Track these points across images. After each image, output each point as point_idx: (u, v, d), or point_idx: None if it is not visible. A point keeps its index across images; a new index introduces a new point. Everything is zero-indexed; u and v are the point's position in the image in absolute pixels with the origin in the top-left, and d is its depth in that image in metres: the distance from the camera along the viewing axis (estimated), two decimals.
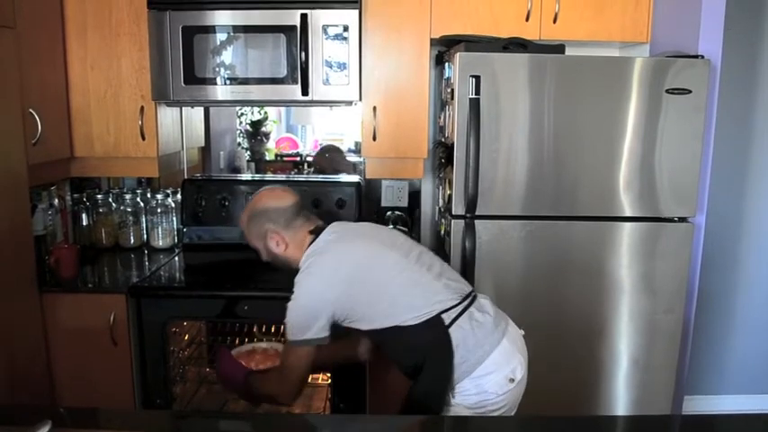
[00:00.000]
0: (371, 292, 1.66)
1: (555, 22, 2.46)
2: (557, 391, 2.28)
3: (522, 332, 1.75)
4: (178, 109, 2.77)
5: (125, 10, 2.44)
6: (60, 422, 1.27)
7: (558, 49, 2.27)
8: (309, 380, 1.92)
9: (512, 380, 1.65)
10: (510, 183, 2.22)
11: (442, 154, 2.52)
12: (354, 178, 2.86)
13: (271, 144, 3.27)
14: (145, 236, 2.87)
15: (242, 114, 3.22)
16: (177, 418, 1.67)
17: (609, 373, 2.36)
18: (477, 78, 2.12)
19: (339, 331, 1.73)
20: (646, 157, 2.21)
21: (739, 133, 2.99)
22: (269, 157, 3.26)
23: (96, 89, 2.49)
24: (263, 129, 3.24)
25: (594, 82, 2.18)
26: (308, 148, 3.30)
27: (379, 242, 1.76)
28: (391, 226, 2.74)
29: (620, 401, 2.39)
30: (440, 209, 2.63)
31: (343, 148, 3.20)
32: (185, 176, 2.90)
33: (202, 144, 3.08)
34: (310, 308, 1.65)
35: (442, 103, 2.59)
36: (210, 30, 2.38)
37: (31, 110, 2.18)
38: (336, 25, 2.36)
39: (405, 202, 2.90)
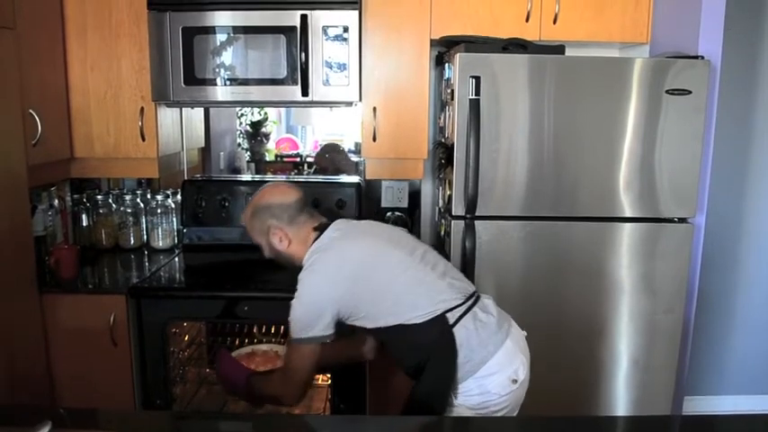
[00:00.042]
0: (375, 290, 1.66)
1: (555, 22, 2.46)
2: (557, 391, 2.28)
3: (525, 333, 1.75)
4: (178, 110, 2.77)
5: (125, 11, 2.44)
6: (60, 423, 1.27)
7: (558, 49, 2.28)
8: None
9: (514, 381, 1.65)
10: (510, 183, 2.22)
11: (442, 154, 2.52)
12: (354, 179, 2.86)
13: (271, 145, 3.27)
14: (145, 236, 2.87)
15: (242, 115, 3.22)
16: (177, 419, 1.67)
17: (609, 374, 2.36)
18: (477, 79, 2.12)
19: (343, 329, 1.72)
20: (646, 158, 2.21)
21: (739, 133, 2.99)
22: (269, 157, 3.26)
23: (96, 90, 2.49)
24: (263, 129, 3.24)
25: (594, 83, 2.18)
26: (307, 149, 3.31)
27: (384, 240, 1.75)
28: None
29: (620, 402, 2.39)
30: (440, 209, 2.63)
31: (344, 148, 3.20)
32: (185, 177, 2.90)
33: (202, 145, 3.08)
34: (314, 305, 1.64)
35: (441, 103, 2.59)
36: (210, 30, 2.38)
37: (31, 110, 2.18)
38: (336, 26, 2.36)
39: (405, 203, 2.90)
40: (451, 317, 1.64)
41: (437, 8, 2.45)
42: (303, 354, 1.66)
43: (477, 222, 2.22)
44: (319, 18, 2.35)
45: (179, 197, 2.81)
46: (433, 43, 2.52)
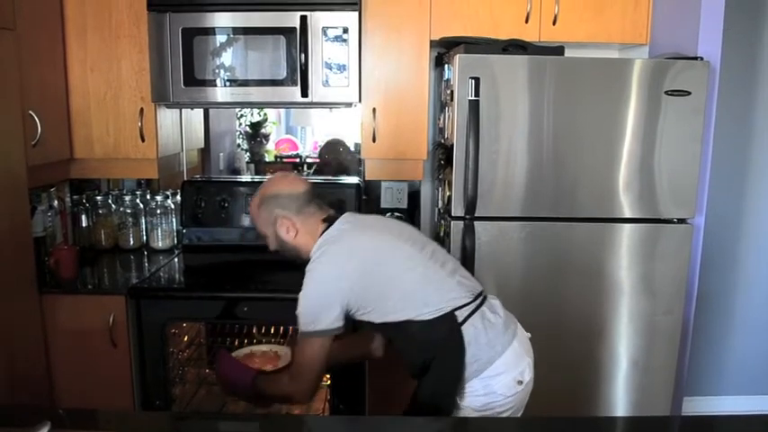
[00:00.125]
0: (385, 284, 1.64)
1: (554, 23, 2.46)
2: (556, 392, 2.27)
3: (529, 335, 1.75)
4: (178, 111, 2.77)
5: (125, 12, 2.44)
6: (60, 423, 1.27)
7: (558, 50, 2.28)
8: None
9: (520, 382, 1.64)
10: (509, 184, 2.22)
11: (442, 155, 2.52)
12: (354, 179, 2.86)
13: (270, 146, 3.27)
14: (144, 237, 2.87)
15: (241, 116, 3.22)
16: (177, 420, 1.67)
17: (608, 374, 2.36)
18: (477, 80, 2.13)
19: (351, 326, 1.70)
20: (645, 159, 2.21)
21: (739, 134, 2.99)
22: (268, 158, 3.26)
23: (96, 91, 2.49)
24: (263, 130, 3.24)
25: (594, 83, 2.18)
26: (307, 150, 3.30)
27: (395, 235, 1.72)
28: None
29: (620, 402, 2.39)
30: (439, 210, 2.63)
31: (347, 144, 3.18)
32: (185, 178, 2.90)
33: (202, 145, 3.09)
34: (324, 297, 1.61)
35: (441, 104, 2.60)
36: (210, 31, 2.38)
37: (30, 111, 2.18)
38: (336, 27, 2.36)
39: (404, 204, 2.90)
40: (460, 315, 1.62)
41: (437, 9, 2.46)
42: (313, 348, 1.62)
43: (476, 223, 2.22)
44: (319, 19, 2.36)
45: (178, 198, 2.81)
46: (433, 44, 2.52)
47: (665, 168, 2.21)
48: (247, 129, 3.22)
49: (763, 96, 2.97)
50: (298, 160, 3.29)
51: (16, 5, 2.09)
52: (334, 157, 3.14)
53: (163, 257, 2.73)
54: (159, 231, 2.82)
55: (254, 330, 2.67)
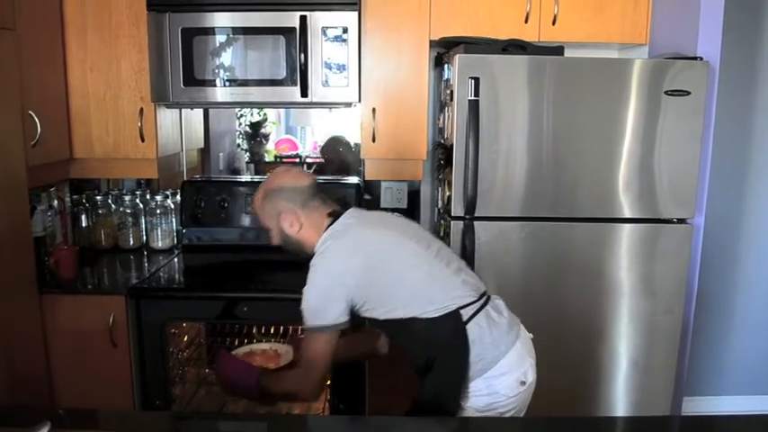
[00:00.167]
0: (391, 280, 1.63)
1: (554, 23, 2.46)
2: (556, 392, 2.27)
3: (531, 335, 1.75)
4: (177, 110, 2.77)
5: (124, 12, 2.44)
6: (60, 423, 1.27)
7: (557, 50, 2.28)
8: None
9: (523, 382, 1.64)
10: (509, 184, 2.22)
11: (442, 155, 2.52)
12: (353, 179, 2.86)
13: (270, 145, 3.27)
14: (144, 237, 2.87)
15: (241, 116, 3.22)
16: (176, 420, 1.67)
17: (608, 375, 2.36)
18: (477, 80, 2.13)
19: (356, 322, 1.68)
20: (645, 159, 2.21)
21: (738, 133, 2.99)
22: (268, 158, 3.26)
23: (96, 91, 2.49)
24: (263, 130, 3.24)
25: (593, 84, 2.18)
26: (307, 150, 3.30)
27: (401, 232, 1.71)
28: None
29: (620, 402, 2.39)
30: (439, 210, 2.63)
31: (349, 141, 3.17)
32: (185, 178, 2.90)
33: (202, 145, 3.09)
34: (329, 291, 1.60)
35: (441, 104, 2.60)
36: (210, 31, 2.38)
37: (30, 111, 2.18)
38: (336, 27, 2.36)
39: (404, 204, 2.90)
40: (465, 313, 1.62)
41: (436, 9, 2.46)
42: (319, 344, 1.61)
43: (476, 223, 2.22)
44: (319, 19, 2.36)
45: (178, 198, 2.82)
46: (433, 44, 2.52)
47: (665, 168, 2.21)
48: (247, 129, 3.22)
49: (762, 96, 2.97)
50: (297, 160, 3.29)
51: (16, 5, 2.09)
52: (336, 154, 3.13)
53: (163, 257, 2.73)
54: (159, 231, 2.82)
55: (253, 330, 2.67)
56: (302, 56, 2.35)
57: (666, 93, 2.16)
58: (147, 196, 2.88)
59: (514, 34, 2.35)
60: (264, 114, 3.22)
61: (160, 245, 2.82)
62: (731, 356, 3.19)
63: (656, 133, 2.19)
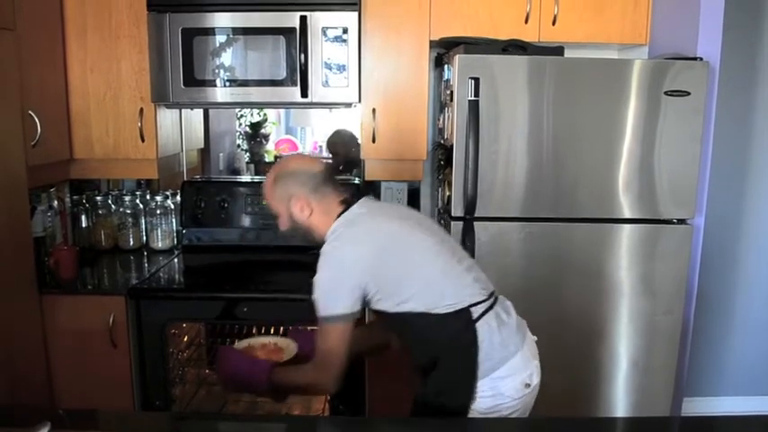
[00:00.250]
0: (403, 271, 1.60)
1: (554, 24, 2.46)
2: (556, 392, 2.27)
3: (535, 338, 1.74)
4: (177, 111, 2.77)
5: (125, 12, 2.44)
6: (60, 424, 1.27)
7: (557, 50, 2.28)
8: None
9: (527, 385, 1.62)
10: (509, 184, 2.22)
11: (442, 156, 2.52)
12: (353, 180, 2.86)
13: (270, 146, 3.27)
14: (144, 237, 2.87)
15: (241, 116, 3.22)
16: (176, 420, 1.67)
17: (608, 375, 2.36)
18: (477, 80, 2.13)
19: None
20: (645, 159, 2.21)
21: (738, 133, 2.99)
22: (268, 158, 3.26)
23: (96, 91, 2.49)
24: (263, 130, 3.24)
25: (593, 84, 2.18)
26: (307, 150, 3.31)
27: (415, 225, 1.68)
28: None
29: (620, 403, 2.39)
30: (439, 210, 2.63)
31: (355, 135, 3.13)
32: (185, 178, 2.90)
33: (202, 146, 3.09)
34: (341, 279, 1.56)
35: (441, 104, 2.60)
36: (210, 32, 2.38)
37: (30, 112, 2.18)
38: (336, 27, 2.37)
39: (404, 204, 2.90)
40: (475, 312, 1.60)
41: (436, 9, 2.46)
42: (336, 334, 1.57)
43: (476, 223, 2.22)
44: (319, 19, 2.36)
45: (178, 198, 2.82)
46: (433, 44, 2.52)
47: (665, 169, 2.21)
48: (247, 129, 3.22)
49: (762, 96, 2.97)
50: None
51: (16, 6, 2.09)
52: (343, 146, 3.10)
53: (163, 258, 2.73)
54: (159, 232, 2.82)
55: (253, 331, 2.67)
56: (302, 56, 2.35)
57: (666, 93, 2.16)
58: (147, 197, 2.88)
59: (514, 34, 2.35)
60: (264, 115, 3.23)
61: (160, 245, 2.82)
62: (731, 357, 3.19)
63: (656, 134, 2.19)
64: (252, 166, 3.24)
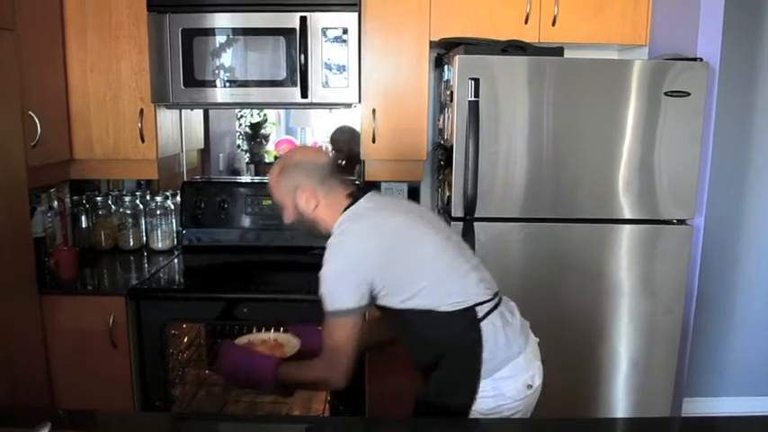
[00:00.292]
0: (410, 267, 1.58)
1: (554, 24, 2.46)
2: (556, 393, 2.26)
3: (537, 339, 1.73)
4: (177, 111, 2.77)
5: (125, 12, 2.44)
6: (60, 424, 1.27)
7: (557, 51, 2.28)
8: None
9: (530, 386, 1.62)
10: (509, 185, 2.22)
11: (442, 156, 2.52)
12: (354, 180, 2.86)
13: (270, 146, 3.27)
14: (144, 238, 2.87)
15: (241, 116, 3.22)
16: (176, 421, 1.67)
17: (608, 375, 2.36)
18: (477, 81, 2.13)
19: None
20: (645, 160, 2.21)
21: (738, 134, 2.99)
22: (268, 159, 3.26)
23: (96, 91, 2.49)
24: (263, 131, 3.24)
25: (593, 84, 2.18)
26: None
27: (422, 220, 1.67)
28: None
29: (620, 403, 2.39)
30: (439, 211, 2.63)
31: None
32: (185, 178, 2.90)
33: (202, 146, 3.09)
34: (348, 273, 1.55)
35: (441, 105, 2.60)
36: (210, 32, 2.38)
37: (30, 112, 2.18)
38: (336, 28, 2.37)
39: None
40: (480, 311, 1.59)
41: (436, 10, 2.46)
42: (345, 330, 1.54)
43: (476, 224, 2.22)
44: (319, 20, 2.36)
45: (178, 198, 2.82)
46: (433, 45, 2.52)
47: (665, 169, 2.21)
48: (247, 129, 3.22)
49: (762, 97, 2.97)
50: None
51: (16, 6, 2.09)
52: (346, 142, 3.09)
53: (163, 258, 2.73)
54: (159, 232, 2.82)
55: (253, 331, 2.67)
56: (302, 57, 2.35)
57: (666, 94, 2.16)
58: (147, 197, 2.87)
59: (514, 35, 2.35)
60: (264, 115, 3.23)
61: (160, 246, 2.82)
62: (731, 357, 3.19)
63: (655, 134, 2.19)
64: (252, 166, 3.24)
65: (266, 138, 3.25)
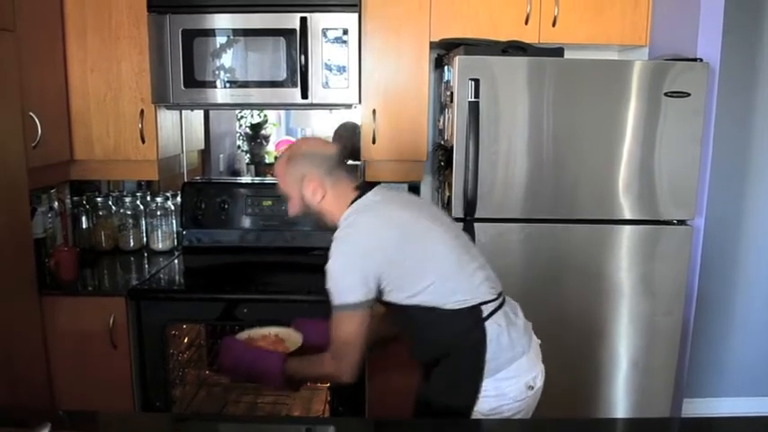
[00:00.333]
0: (418, 262, 1.57)
1: (554, 25, 2.46)
2: (556, 393, 2.26)
3: (539, 341, 1.73)
4: (178, 112, 2.77)
5: (125, 13, 2.44)
6: (60, 425, 1.27)
7: (557, 52, 2.28)
8: (308, 383, 1.79)
9: (531, 387, 1.62)
10: (509, 185, 2.22)
11: (442, 157, 2.52)
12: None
13: (270, 147, 3.27)
14: (144, 239, 2.87)
15: (242, 117, 3.22)
16: (177, 421, 1.67)
17: (608, 376, 2.36)
18: (477, 81, 2.13)
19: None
20: (645, 161, 2.21)
21: (738, 135, 3.00)
22: (269, 159, 3.26)
23: (96, 92, 2.49)
24: (263, 132, 3.24)
25: (593, 85, 2.19)
26: None
27: (431, 217, 1.66)
28: None
29: (620, 404, 2.39)
30: None
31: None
32: (185, 179, 2.90)
33: (202, 147, 3.09)
34: (355, 265, 1.53)
35: (441, 105, 2.60)
36: (210, 33, 2.38)
37: (30, 113, 2.18)
38: (336, 28, 2.37)
39: None
40: (485, 310, 1.58)
41: (436, 11, 2.46)
42: (351, 322, 1.53)
43: (476, 224, 2.22)
44: (319, 20, 2.36)
45: (179, 199, 2.82)
46: (433, 46, 2.52)
47: (665, 170, 2.22)
48: (247, 130, 3.22)
49: (762, 97, 2.97)
50: None
51: (16, 6, 2.09)
52: (349, 139, 3.08)
53: (163, 259, 2.73)
54: (159, 233, 2.82)
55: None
56: (302, 57, 2.36)
57: (666, 94, 2.17)
58: (148, 198, 2.87)
59: (514, 36, 2.35)
60: (265, 116, 3.23)
61: (160, 246, 2.82)
62: (731, 358, 3.19)
63: (656, 135, 2.19)
64: (252, 167, 3.24)
65: (266, 138, 3.25)
